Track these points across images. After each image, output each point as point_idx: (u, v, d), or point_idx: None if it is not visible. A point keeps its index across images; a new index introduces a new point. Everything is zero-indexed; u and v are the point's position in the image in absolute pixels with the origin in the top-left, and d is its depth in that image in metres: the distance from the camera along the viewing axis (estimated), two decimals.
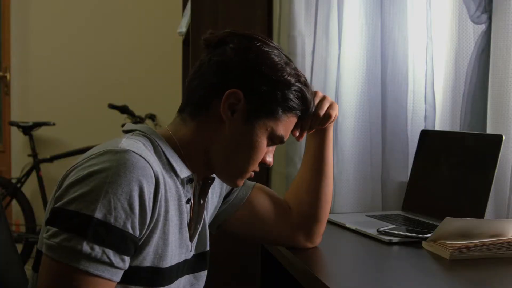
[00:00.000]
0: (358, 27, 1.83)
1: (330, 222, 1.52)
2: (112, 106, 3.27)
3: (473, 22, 1.60)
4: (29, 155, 3.46)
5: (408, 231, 1.36)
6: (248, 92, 1.01)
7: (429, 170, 1.64)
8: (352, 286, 1.07)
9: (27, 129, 3.42)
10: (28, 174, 3.44)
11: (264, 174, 2.18)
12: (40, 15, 3.71)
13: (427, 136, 1.69)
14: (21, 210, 3.51)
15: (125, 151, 0.90)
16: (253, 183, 1.26)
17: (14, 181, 3.47)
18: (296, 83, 1.04)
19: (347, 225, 1.49)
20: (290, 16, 1.97)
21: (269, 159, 1.09)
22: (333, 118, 1.17)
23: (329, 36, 1.88)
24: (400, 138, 1.76)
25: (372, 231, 1.39)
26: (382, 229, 1.37)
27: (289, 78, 1.03)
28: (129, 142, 0.94)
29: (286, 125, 1.06)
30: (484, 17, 1.57)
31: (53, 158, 3.41)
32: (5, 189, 3.47)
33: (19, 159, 3.73)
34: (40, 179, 3.42)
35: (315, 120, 1.15)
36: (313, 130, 1.18)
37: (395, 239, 1.32)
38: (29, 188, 3.57)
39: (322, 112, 1.14)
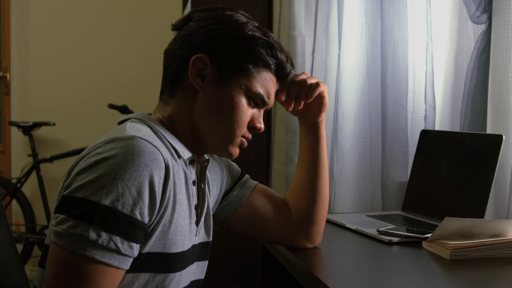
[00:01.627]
0: (358, 27, 1.83)
1: (330, 222, 1.52)
2: (112, 106, 3.27)
3: (473, 22, 1.60)
4: (29, 155, 3.45)
5: (408, 231, 1.36)
6: (213, 54, 1.01)
7: (429, 170, 1.64)
8: (352, 286, 1.07)
9: (27, 129, 3.42)
10: (28, 174, 3.43)
11: (264, 173, 2.18)
12: (40, 15, 3.71)
13: (427, 136, 1.69)
14: (21, 210, 3.51)
15: (132, 138, 0.89)
16: (255, 183, 1.26)
17: (14, 181, 3.46)
18: (261, 36, 1.03)
19: (347, 225, 1.49)
20: (290, 16, 1.97)
21: (259, 124, 1.07)
22: (320, 89, 1.15)
23: (329, 36, 1.88)
24: (400, 138, 1.76)
25: (372, 231, 1.39)
26: (382, 229, 1.37)
27: (250, 32, 1.03)
28: (135, 129, 0.94)
29: (262, 82, 1.04)
30: (484, 17, 1.57)
31: (53, 158, 3.40)
32: (5, 189, 3.47)
33: (19, 159, 3.72)
34: (40, 179, 3.42)
35: (302, 88, 1.13)
36: (302, 105, 1.15)
37: (395, 239, 1.32)
38: (29, 188, 3.57)
39: (310, 81, 1.14)
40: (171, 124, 1.04)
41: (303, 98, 1.15)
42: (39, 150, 3.47)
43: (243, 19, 1.05)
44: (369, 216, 1.62)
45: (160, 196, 0.91)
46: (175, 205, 0.96)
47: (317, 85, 1.15)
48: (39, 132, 3.52)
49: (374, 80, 1.82)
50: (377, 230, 1.37)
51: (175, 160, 0.99)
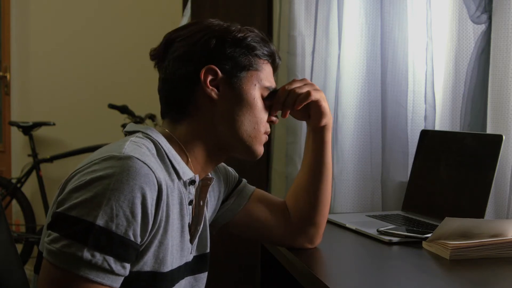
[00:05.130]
0: (358, 27, 1.83)
1: (330, 222, 1.52)
2: (112, 106, 3.27)
3: (473, 22, 1.60)
4: (29, 155, 3.45)
5: (408, 231, 1.36)
6: (218, 62, 1.04)
7: (429, 170, 1.64)
8: (352, 286, 1.07)
9: (27, 129, 3.42)
10: (28, 174, 3.43)
11: (264, 173, 2.18)
12: (40, 15, 3.71)
13: (427, 136, 1.69)
14: (21, 210, 3.51)
15: (129, 158, 0.89)
16: (252, 189, 1.26)
17: (14, 181, 3.46)
18: (250, 33, 1.07)
19: (347, 225, 1.49)
20: (290, 16, 1.97)
21: (275, 117, 1.12)
22: (312, 99, 1.14)
23: (329, 36, 1.88)
24: (400, 138, 1.76)
25: (372, 231, 1.39)
26: (382, 229, 1.37)
27: (240, 32, 1.06)
28: (133, 147, 0.94)
29: (266, 74, 1.08)
30: (484, 17, 1.57)
31: (53, 158, 3.40)
32: (5, 189, 3.47)
33: (19, 159, 3.72)
34: (40, 179, 3.42)
35: (290, 96, 1.13)
36: (287, 114, 1.15)
37: (395, 239, 1.32)
38: (29, 188, 3.57)
39: (300, 90, 1.14)
40: (184, 142, 1.05)
41: (289, 107, 1.15)
42: (39, 150, 3.47)
43: (224, 24, 1.08)
44: (369, 216, 1.62)
45: (152, 217, 0.91)
46: (167, 226, 0.96)
47: (307, 95, 1.14)
48: (39, 132, 3.52)
49: (374, 80, 1.82)
50: (377, 230, 1.37)
51: (172, 180, 0.99)
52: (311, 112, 1.18)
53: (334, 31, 1.87)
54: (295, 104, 1.14)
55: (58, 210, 0.88)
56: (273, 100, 1.12)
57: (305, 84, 1.16)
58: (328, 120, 1.19)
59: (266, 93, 1.09)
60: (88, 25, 3.62)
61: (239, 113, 1.05)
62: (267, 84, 1.08)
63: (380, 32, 1.79)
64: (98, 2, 3.63)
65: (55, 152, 3.43)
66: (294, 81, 1.17)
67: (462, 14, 1.63)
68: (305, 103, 1.14)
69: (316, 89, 1.16)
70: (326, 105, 1.17)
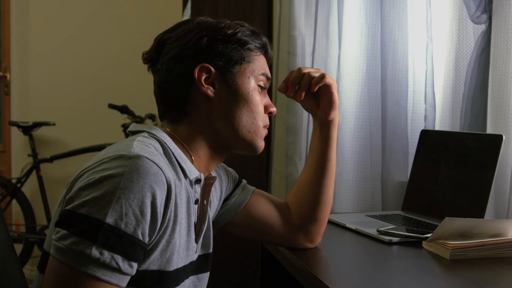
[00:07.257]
0: (358, 27, 1.83)
1: (330, 222, 1.52)
2: (112, 106, 3.27)
3: (473, 22, 1.60)
4: (29, 155, 3.45)
5: (408, 231, 1.36)
6: (211, 59, 1.05)
7: (429, 170, 1.64)
8: (352, 286, 1.07)
9: (27, 129, 3.42)
10: (28, 174, 3.43)
11: (264, 173, 2.18)
12: (40, 15, 3.71)
13: (427, 136, 1.69)
14: (21, 210, 3.51)
15: (138, 157, 0.89)
16: (252, 189, 1.26)
17: (14, 181, 3.46)
18: (241, 27, 1.08)
19: (347, 225, 1.49)
20: (290, 16, 1.97)
21: (272, 108, 1.13)
22: (325, 82, 1.17)
23: (329, 36, 1.88)
24: (400, 138, 1.76)
25: (372, 231, 1.39)
26: (382, 229, 1.37)
27: (231, 28, 1.07)
28: (141, 147, 0.94)
29: (259, 65, 1.09)
30: (484, 17, 1.57)
31: (53, 158, 3.40)
32: (5, 189, 3.47)
33: (19, 159, 3.72)
34: (40, 179, 3.42)
35: (305, 79, 1.17)
36: (302, 96, 1.18)
37: (395, 239, 1.32)
38: (29, 188, 3.57)
39: (314, 74, 1.17)
40: (187, 141, 1.05)
41: (304, 89, 1.18)
42: (39, 150, 3.47)
43: (214, 20, 1.09)
44: (369, 216, 1.62)
45: (161, 217, 0.91)
46: (174, 225, 0.97)
47: (322, 77, 1.17)
48: (39, 132, 3.52)
49: (374, 80, 1.82)
50: (377, 230, 1.37)
51: (179, 179, 0.99)
52: (321, 100, 1.20)
53: (334, 31, 1.87)
54: (310, 86, 1.17)
55: (67, 207, 0.88)
56: (286, 84, 1.15)
57: (316, 71, 1.19)
58: (336, 114, 1.22)
59: (262, 81, 1.09)
60: (88, 25, 3.62)
61: (236, 109, 1.06)
62: (261, 71, 1.09)
63: (380, 32, 1.79)
64: (98, 2, 3.63)
65: (55, 152, 3.43)
66: (307, 68, 1.20)
67: (462, 14, 1.63)
68: (320, 85, 1.17)
69: (328, 77, 1.18)
70: (337, 95, 1.20)
